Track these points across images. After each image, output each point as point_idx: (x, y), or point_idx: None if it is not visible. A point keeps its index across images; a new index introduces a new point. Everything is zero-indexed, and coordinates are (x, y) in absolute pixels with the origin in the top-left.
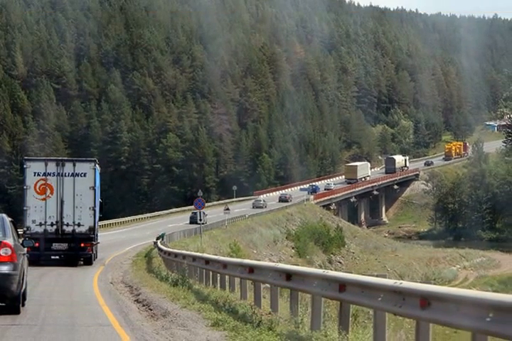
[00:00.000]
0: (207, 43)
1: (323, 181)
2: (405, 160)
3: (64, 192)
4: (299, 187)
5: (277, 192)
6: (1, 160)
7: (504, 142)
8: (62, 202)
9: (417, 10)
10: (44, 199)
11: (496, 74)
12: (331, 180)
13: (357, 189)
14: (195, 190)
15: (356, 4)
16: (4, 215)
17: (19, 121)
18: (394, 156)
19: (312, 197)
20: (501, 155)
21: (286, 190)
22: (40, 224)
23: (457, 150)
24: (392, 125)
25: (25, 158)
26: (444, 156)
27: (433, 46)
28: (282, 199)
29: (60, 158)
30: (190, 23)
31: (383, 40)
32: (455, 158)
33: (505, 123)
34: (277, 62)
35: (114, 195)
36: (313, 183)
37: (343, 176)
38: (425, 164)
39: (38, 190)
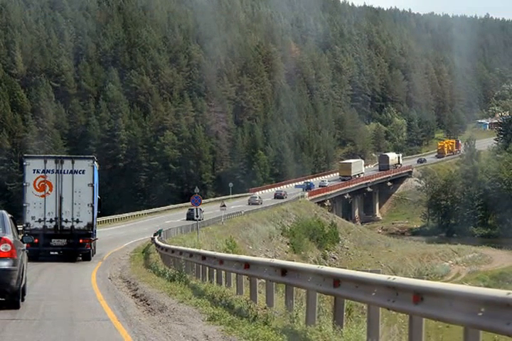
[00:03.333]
0: (203, 42)
1: (317, 178)
2: (399, 157)
3: (63, 189)
4: (294, 184)
5: (273, 189)
6: (0, 157)
7: (496, 140)
8: (61, 198)
9: (410, 10)
10: (43, 196)
11: (487, 72)
12: (326, 177)
13: (351, 186)
14: (192, 187)
15: (350, 4)
16: (4, 212)
17: (19, 119)
18: (387, 154)
19: (307, 193)
20: (493, 153)
21: (282, 186)
22: (40, 221)
23: (450, 148)
24: (385, 123)
25: (25, 155)
26: (436, 154)
27: (426, 45)
28: (277, 196)
29: (58, 156)
30: (187, 22)
31: (377, 40)
32: (447, 156)
33: (496, 121)
34: (273, 61)
35: (112, 191)
36: (308, 180)
37: (338, 173)
38: (418, 161)
39: (37, 186)
